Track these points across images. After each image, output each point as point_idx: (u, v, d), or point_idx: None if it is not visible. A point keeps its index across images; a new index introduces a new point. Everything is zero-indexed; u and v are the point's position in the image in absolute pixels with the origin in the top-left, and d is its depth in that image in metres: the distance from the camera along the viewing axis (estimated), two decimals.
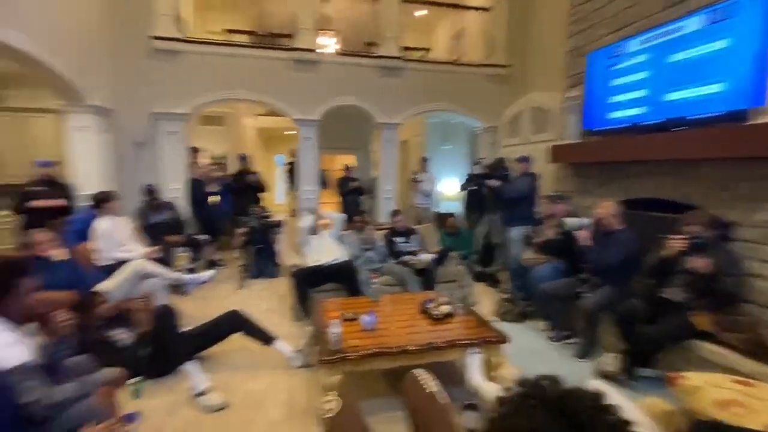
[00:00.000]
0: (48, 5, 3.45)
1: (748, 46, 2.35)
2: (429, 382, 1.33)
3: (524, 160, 4.13)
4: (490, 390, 1.82)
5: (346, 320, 2.32)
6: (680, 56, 2.78)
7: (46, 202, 3.76)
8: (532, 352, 2.81)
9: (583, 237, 2.92)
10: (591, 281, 2.84)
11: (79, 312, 2.20)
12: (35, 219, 3.66)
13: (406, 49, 5.98)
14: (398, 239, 3.90)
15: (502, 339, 2.19)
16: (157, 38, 4.85)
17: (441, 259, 3.71)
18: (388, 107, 5.73)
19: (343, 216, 3.90)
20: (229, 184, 5.64)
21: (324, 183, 6.18)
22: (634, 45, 3.16)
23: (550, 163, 4.09)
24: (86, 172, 4.20)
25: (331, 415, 1.19)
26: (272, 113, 8.17)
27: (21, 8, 3.09)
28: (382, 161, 5.97)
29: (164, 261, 3.60)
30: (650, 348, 2.33)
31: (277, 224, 4.72)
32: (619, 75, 3.31)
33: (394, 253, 3.78)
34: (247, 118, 9.47)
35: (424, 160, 5.94)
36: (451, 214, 5.43)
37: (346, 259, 3.57)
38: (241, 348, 2.66)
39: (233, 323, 2.55)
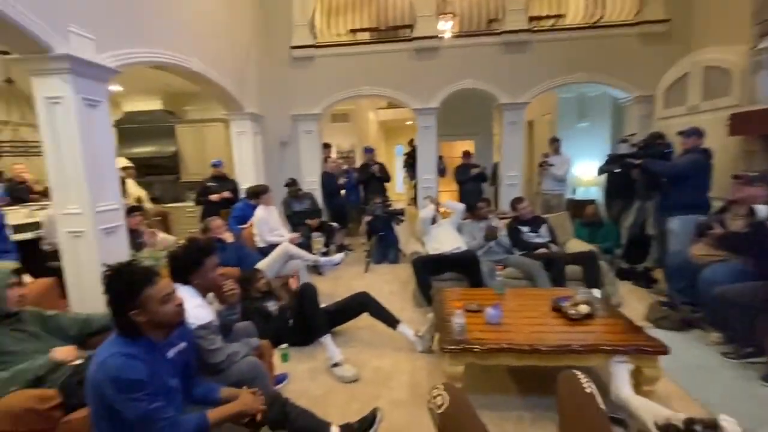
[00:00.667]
0: (213, 33, 4.19)
1: None
2: (588, 385, 1.22)
3: (693, 133, 3.32)
4: (642, 407, 1.57)
5: (468, 311, 2.27)
6: None
7: (219, 195, 4.66)
8: (698, 370, 2.31)
9: None
10: None
11: (243, 285, 2.69)
12: (211, 208, 4.60)
13: (534, 19, 5.42)
14: (524, 228, 3.62)
15: (660, 349, 1.85)
16: (295, 47, 5.46)
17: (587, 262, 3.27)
18: (513, 86, 5.32)
19: (462, 206, 3.79)
20: (356, 175, 6.07)
21: (443, 171, 6.12)
22: None
23: (729, 136, 3.23)
24: (244, 168, 5.03)
25: (440, 411, 1.17)
26: (393, 105, 8.47)
27: (195, 40, 3.83)
28: (504, 145, 5.61)
29: (304, 245, 4.10)
30: None
31: (399, 212, 4.89)
32: None
33: (520, 244, 3.53)
34: (370, 112, 10.01)
35: (556, 140, 5.34)
36: (590, 202, 4.81)
37: (467, 249, 3.49)
38: (369, 327, 2.85)
39: (362, 304, 2.74)
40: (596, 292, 2.41)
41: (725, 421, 1.67)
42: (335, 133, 8.47)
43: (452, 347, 1.91)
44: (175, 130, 6.26)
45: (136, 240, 3.22)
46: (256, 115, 5.05)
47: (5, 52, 2.71)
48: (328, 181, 5.61)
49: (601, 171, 4.38)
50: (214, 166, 4.86)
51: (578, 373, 1.28)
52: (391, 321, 2.67)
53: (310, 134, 5.72)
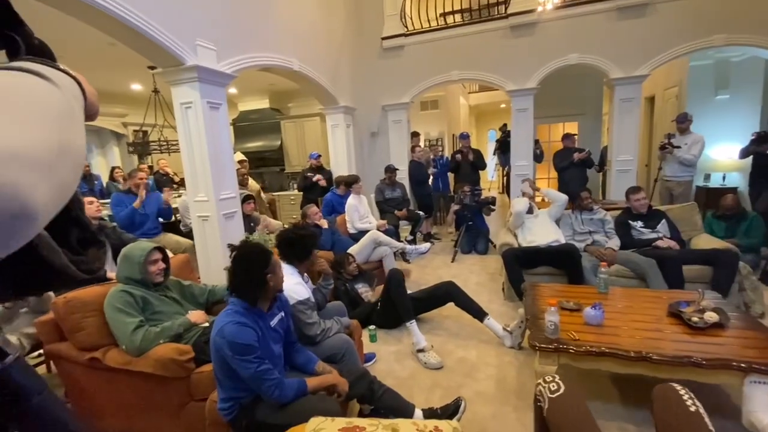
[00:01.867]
0: (311, 32, 4.48)
1: None
2: (691, 400, 1.06)
3: None
4: None
5: (564, 309, 2.10)
6: None
7: (318, 177, 5.01)
8: None
9: None
10: None
11: (335, 268, 2.91)
12: (310, 197, 5.01)
13: None
14: (636, 223, 3.18)
15: None
16: (386, 38, 5.55)
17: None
18: (627, 57, 4.64)
19: (564, 197, 3.46)
20: (445, 164, 5.98)
21: (539, 156, 5.66)
22: None
23: None
24: (338, 159, 5.34)
25: (553, 396, 1.13)
26: (485, 88, 8.09)
27: (295, 41, 4.13)
28: (615, 125, 4.95)
29: (392, 232, 4.21)
30: None
31: (490, 201, 4.70)
32: None
33: (631, 242, 3.11)
34: (460, 97, 9.71)
35: (684, 117, 4.51)
36: (730, 190, 4.02)
37: (564, 242, 3.21)
38: (455, 317, 2.84)
39: (448, 293, 2.73)
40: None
41: None
42: (424, 121, 8.42)
43: (544, 345, 1.80)
44: (280, 126, 6.92)
45: (249, 224, 3.68)
46: (348, 108, 5.30)
47: (153, 67, 3.29)
48: (416, 169, 5.63)
49: (745, 153, 3.62)
50: (312, 158, 5.25)
51: (678, 386, 1.11)
52: (479, 313, 2.61)
53: (399, 123, 5.79)
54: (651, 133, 6.62)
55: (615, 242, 3.16)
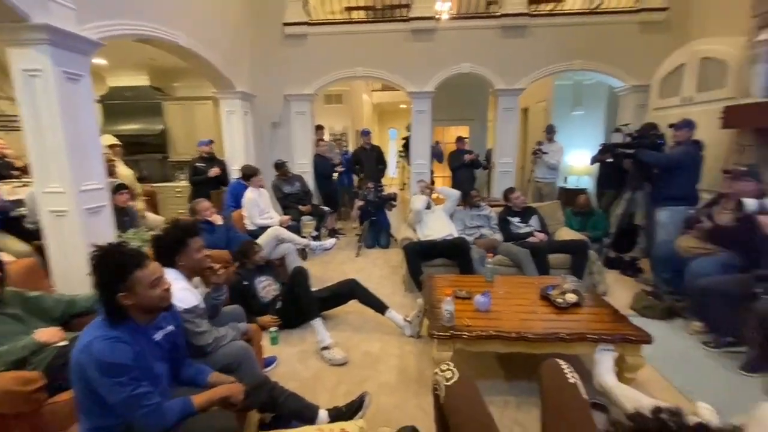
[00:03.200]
0: (202, 7, 4.03)
1: None
2: (571, 373, 1.24)
3: (686, 125, 3.33)
4: (623, 394, 1.60)
5: (458, 298, 2.28)
6: None
7: (216, 171, 4.52)
8: (679, 357, 2.38)
9: (765, 223, 2.27)
10: None
11: (240, 257, 2.69)
12: (201, 190, 4.52)
13: (533, 2, 5.31)
14: (514, 219, 3.63)
15: (643, 338, 1.89)
16: (287, 24, 5.29)
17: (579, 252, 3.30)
18: (509, 71, 5.25)
19: (457, 193, 3.78)
20: (349, 159, 5.99)
21: (439, 156, 6.07)
22: None
23: (721, 128, 3.24)
24: (234, 149, 4.93)
25: (448, 383, 1.19)
26: (388, 88, 8.33)
27: (183, 13, 3.67)
28: (498, 132, 5.57)
29: (295, 228, 4.06)
30: None
31: (392, 198, 4.86)
32: None
33: (509, 235, 3.54)
34: (364, 94, 9.84)
35: (551, 128, 5.31)
36: (582, 191, 4.84)
37: (458, 235, 3.50)
38: (358, 312, 2.86)
39: (351, 290, 2.75)
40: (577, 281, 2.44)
41: (703, 408, 1.72)
42: (328, 114, 8.32)
43: (441, 334, 1.93)
44: (162, 108, 6.08)
45: (122, 218, 3.15)
46: (246, 94, 4.92)
47: None
48: (320, 163, 5.54)
49: (593, 160, 4.39)
50: (203, 145, 4.74)
51: (561, 362, 1.30)
52: (380, 307, 2.69)
53: (303, 115, 5.61)
54: (525, 140, 7.63)
55: (498, 236, 3.56)
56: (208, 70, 4.30)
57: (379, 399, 1.98)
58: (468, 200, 3.77)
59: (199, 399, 1.31)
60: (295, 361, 2.39)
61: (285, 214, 4.30)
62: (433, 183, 6.24)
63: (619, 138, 3.66)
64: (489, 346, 1.98)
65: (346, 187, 6.20)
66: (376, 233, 4.92)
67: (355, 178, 6.08)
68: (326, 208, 4.89)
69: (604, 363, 1.82)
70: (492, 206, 3.90)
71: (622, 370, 1.93)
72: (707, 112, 3.49)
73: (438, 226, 3.57)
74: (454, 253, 3.34)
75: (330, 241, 3.72)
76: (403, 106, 11.63)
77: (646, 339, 1.88)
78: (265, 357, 2.26)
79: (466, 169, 5.81)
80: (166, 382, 1.37)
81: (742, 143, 3.19)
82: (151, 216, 4.08)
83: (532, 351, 1.95)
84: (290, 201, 4.62)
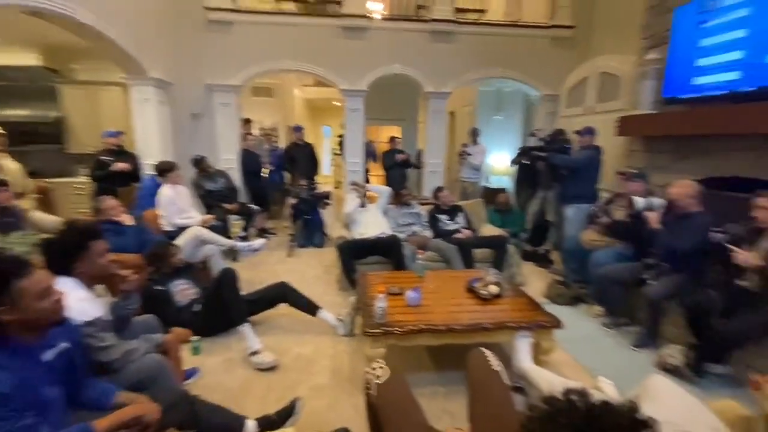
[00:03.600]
0: None
1: None
2: (495, 361, 1.32)
3: (587, 132, 3.76)
4: (539, 377, 1.75)
5: (391, 294, 2.31)
6: None
7: (124, 165, 3.99)
8: (584, 338, 2.67)
9: (653, 219, 2.65)
10: (658, 267, 2.59)
11: (154, 262, 2.43)
12: (107, 186, 4.00)
13: (460, 11, 5.59)
14: (442, 217, 3.80)
15: (555, 323, 2.08)
16: (210, 9, 4.92)
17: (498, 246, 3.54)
18: (438, 75, 5.46)
19: (387, 189, 3.85)
20: (281, 155, 5.77)
21: (373, 155, 6.11)
22: None
23: (616, 136, 3.71)
24: (148, 142, 4.46)
25: (379, 381, 1.20)
26: (320, 84, 8.18)
27: None
28: (428, 133, 5.78)
29: (221, 228, 3.80)
30: (724, 343, 2.11)
31: (325, 196, 4.79)
32: (710, 34, 2.86)
33: (438, 232, 3.69)
34: (295, 88, 9.55)
35: (475, 131, 5.65)
36: (502, 190, 5.20)
37: (391, 233, 3.56)
38: (289, 314, 2.77)
39: (280, 294, 2.65)
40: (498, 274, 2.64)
41: (604, 382, 1.95)
42: (257, 108, 7.92)
43: (374, 331, 1.94)
44: (59, 92, 5.29)
45: (3, 219, 2.68)
46: (162, 81, 4.47)
47: None
48: (249, 159, 5.25)
49: (512, 162, 4.75)
50: (110, 136, 4.20)
51: (485, 351, 1.38)
52: (311, 308, 2.63)
53: (228, 107, 5.27)
54: (453, 142, 8.02)
55: (428, 233, 3.69)
56: (114, 52, 3.82)
57: (312, 402, 1.93)
58: (400, 199, 3.85)
59: (102, 423, 1.14)
60: (220, 370, 2.23)
61: (208, 213, 4.00)
62: (367, 181, 6.27)
63: (533, 142, 4.01)
64: (420, 339, 2.04)
65: (277, 185, 5.96)
66: (310, 232, 4.81)
67: (287, 176, 5.88)
68: (255, 207, 4.66)
69: (523, 348, 1.98)
70: (422, 204, 4.04)
71: (537, 354, 2.11)
72: (606, 121, 3.96)
73: (372, 224, 3.59)
74: (387, 251, 3.39)
75: (259, 242, 3.55)
76: (336, 103, 11.50)
77: (557, 324, 2.08)
78: (185, 369, 2.07)
79: (398, 169, 5.92)
80: (60, 408, 1.18)
81: (633, 149, 3.68)
82: (42, 216, 3.52)
83: (459, 341, 2.05)
84: (214, 199, 4.31)
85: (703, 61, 2.93)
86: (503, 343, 2.22)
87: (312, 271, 3.92)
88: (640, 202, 2.69)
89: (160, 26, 4.48)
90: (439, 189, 3.92)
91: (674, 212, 2.57)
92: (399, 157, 5.88)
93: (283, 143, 7.54)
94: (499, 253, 3.49)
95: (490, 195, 5.48)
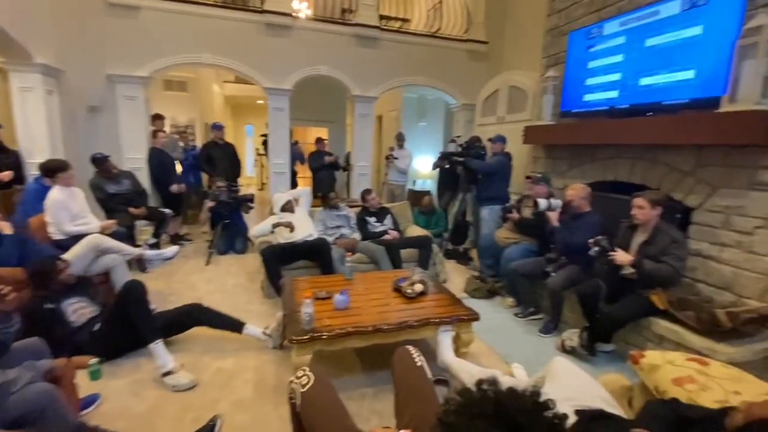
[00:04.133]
0: None
1: (721, 34, 2.39)
2: (418, 357, 1.37)
3: (499, 140, 4.12)
4: (460, 368, 1.87)
5: (318, 299, 2.29)
6: (655, 41, 2.80)
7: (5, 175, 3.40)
8: (499, 328, 2.91)
9: (553, 218, 2.99)
10: (558, 261, 2.93)
11: (39, 279, 2.07)
12: None
13: (384, 18, 5.73)
14: (371, 219, 3.85)
15: (473, 316, 2.24)
16: None
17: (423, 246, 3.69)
18: (364, 79, 5.54)
19: (308, 190, 3.83)
20: (197, 155, 5.35)
21: (300, 157, 5.97)
22: (611, 27, 3.15)
23: (523, 144, 4.11)
24: (33, 137, 3.83)
25: (303, 390, 1.18)
26: (242, 81, 7.78)
27: None
28: (356, 136, 5.83)
29: (126, 235, 3.40)
30: (610, 324, 2.45)
31: (248, 199, 4.55)
32: (596, 57, 3.32)
33: (366, 234, 3.74)
34: (214, 84, 8.95)
35: (400, 136, 5.84)
36: (426, 193, 5.44)
37: (318, 236, 3.51)
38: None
39: (195, 318, 2.45)
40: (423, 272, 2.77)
41: (517, 368, 2.14)
42: (170, 103, 7.26)
43: (300, 338, 1.90)
44: None
45: None
46: (51, 69, 3.87)
47: None
48: (159, 159, 4.77)
49: (434, 166, 5.00)
50: None
51: (410, 348, 1.43)
52: (235, 326, 2.46)
53: (134, 101, 4.75)
54: (380, 145, 8.19)
55: (357, 235, 3.72)
56: None
57: (233, 418, 1.83)
58: (328, 201, 3.82)
59: None
60: (125, 394, 2.00)
61: (110, 218, 3.55)
62: (295, 183, 6.11)
63: (453, 147, 4.27)
64: (348, 342, 2.04)
65: (193, 187, 5.52)
66: (231, 238, 4.53)
67: (205, 177, 5.47)
68: (167, 211, 4.26)
69: (445, 342, 2.09)
70: (351, 207, 4.05)
71: (458, 346, 2.25)
72: (514, 130, 4.37)
73: (299, 228, 3.51)
74: (314, 255, 3.34)
75: (171, 249, 3.24)
76: (260, 101, 11.01)
77: (475, 317, 2.24)
78: (82, 397, 1.82)
79: (326, 171, 5.88)
80: None
81: (537, 156, 4.11)
82: None
83: (387, 341, 2.10)
84: (117, 203, 3.84)
85: (591, 81, 3.38)
86: (428, 338, 2.33)
87: (233, 279, 3.70)
88: (543, 203, 3.01)
89: (48, 5, 3.88)
90: (367, 191, 3.97)
91: (570, 212, 2.93)
92: (327, 159, 5.84)
93: (200, 142, 7.02)
94: (424, 253, 3.64)
95: (416, 197, 5.71)
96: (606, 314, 2.46)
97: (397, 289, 2.50)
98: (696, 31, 2.54)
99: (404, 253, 3.61)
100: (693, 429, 1.07)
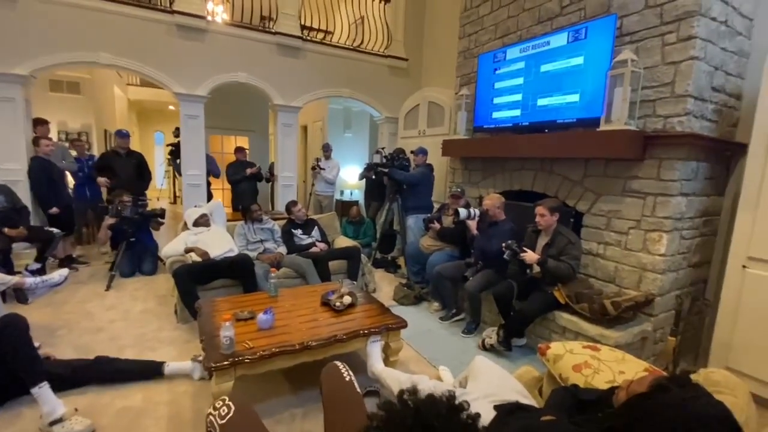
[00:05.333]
0: None
1: (597, 64, 2.81)
2: (347, 372, 1.37)
3: (421, 152, 4.33)
4: (389, 377, 1.90)
5: (239, 320, 2.16)
6: (548, 67, 3.20)
7: None
8: (426, 333, 3.01)
9: (472, 226, 3.20)
10: (476, 265, 3.14)
11: None
12: None
13: (307, 28, 5.69)
14: (297, 231, 3.76)
15: (401, 324, 2.29)
16: None
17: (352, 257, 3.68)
18: (287, 89, 5.42)
19: (218, 202, 3.65)
20: (93, 166, 4.73)
21: (214, 173, 5.57)
22: (512, 53, 3.52)
23: (442, 156, 4.36)
24: None
25: (222, 422, 1.10)
26: (149, 84, 7.12)
27: None
28: (280, 146, 5.65)
29: (0, 261, 2.87)
30: (522, 320, 2.69)
31: (158, 213, 4.12)
32: (501, 79, 3.67)
33: (292, 247, 3.64)
34: (115, 86, 8.04)
35: (327, 146, 5.81)
36: (355, 203, 5.47)
37: (238, 252, 3.33)
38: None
39: (97, 373, 2.15)
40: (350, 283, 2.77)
41: (443, 371, 2.23)
42: (58, 106, 6.35)
43: (219, 364, 1.76)
44: None
45: None
46: None
47: None
48: (44, 170, 4.11)
49: (360, 176, 5.06)
50: None
51: (339, 363, 1.42)
52: (152, 370, 2.22)
53: (10, 103, 4.04)
54: (306, 156, 8.06)
55: (282, 249, 3.59)
56: None
57: None
58: (250, 214, 3.64)
59: None
60: None
61: None
62: (210, 196, 5.71)
63: (378, 159, 4.38)
64: (275, 363, 1.95)
65: (89, 202, 4.85)
66: (136, 258, 4.06)
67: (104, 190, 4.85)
68: (54, 230, 3.68)
69: (374, 353, 2.11)
70: (275, 219, 3.91)
71: (388, 355, 2.29)
72: (435, 143, 4.61)
73: (216, 244, 3.28)
74: (236, 272, 3.15)
75: (59, 273, 2.78)
76: (171, 107, 10.16)
77: (403, 324, 2.30)
78: None
79: (247, 182, 5.60)
80: None
81: (454, 167, 4.39)
82: None
83: (316, 358, 2.05)
84: None
85: (497, 100, 3.72)
86: (358, 350, 2.32)
87: (141, 304, 3.31)
88: (463, 212, 3.21)
89: None
90: (292, 203, 3.86)
91: (486, 220, 3.18)
92: (249, 171, 5.57)
93: (99, 150, 6.23)
94: (352, 263, 3.65)
95: (344, 207, 5.71)
96: (518, 311, 2.70)
97: (326, 303, 2.46)
98: (579, 60, 2.95)
99: (333, 264, 3.57)
100: (590, 409, 1.22)
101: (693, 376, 1.19)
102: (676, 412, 0.81)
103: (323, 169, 5.69)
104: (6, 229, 3.27)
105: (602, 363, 1.44)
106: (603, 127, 2.64)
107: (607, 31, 2.74)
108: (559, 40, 3.09)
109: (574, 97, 2.99)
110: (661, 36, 2.52)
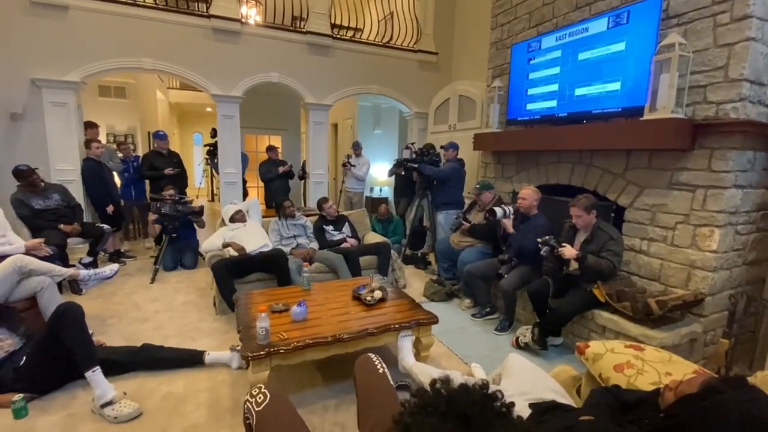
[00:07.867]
0: None
1: (641, 50, 2.65)
2: (380, 364, 1.37)
3: (451, 147, 4.26)
4: (420, 372, 1.89)
5: (274, 312, 2.22)
6: (587, 55, 3.05)
7: None
8: (457, 329, 2.97)
9: (508, 225, 3.10)
10: (509, 262, 3.05)
11: None
12: None
13: (337, 27, 5.75)
14: (329, 227, 3.81)
15: (432, 320, 2.27)
16: None
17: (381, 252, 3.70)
18: (318, 87, 5.50)
19: (255, 200, 3.75)
20: (138, 166, 5.01)
21: (246, 165, 5.75)
22: (548, 41, 3.39)
23: (474, 150, 4.28)
24: None
25: (258, 409, 1.13)
26: (188, 87, 7.43)
27: None
28: (311, 144, 5.76)
29: (55, 255, 3.09)
30: (558, 319, 2.60)
31: (197, 211, 4.31)
32: (536, 69, 3.54)
33: (324, 243, 3.69)
34: (158, 90, 8.47)
35: (357, 144, 5.85)
36: (384, 200, 5.48)
37: (273, 247, 3.42)
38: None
39: (148, 360, 2.28)
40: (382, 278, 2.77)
41: (475, 368, 2.20)
42: (106, 110, 6.78)
43: (256, 354, 1.82)
44: None
45: None
46: None
47: None
48: (96, 171, 4.40)
49: (390, 173, 5.06)
50: None
51: (372, 355, 1.42)
52: (194, 359, 2.33)
53: (64, 108, 4.36)
54: (336, 153, 8.15)
55: (315, 244, 3.66)
56: None
57: None
58: (283, 211, 3.73)
59: None
60: None
61: (36, 236, 3.21)
62: (246, 194, 5.90)
63: (408, 154, 4.35)
64: (307, 355, 1.99)
65: (134, 200, 5.15)
66: (178, 253, 4.27)
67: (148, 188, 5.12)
68: (105, 227, 3.93)
69: (405, 347, 2.11)
70: (307, 216, 3.98)
71: (419, 350, 2.28)
72: (465, 137, 4.53)
73: (252, 239, 3.39)
74: (270, 266, 3.24)
75: (110, 268, 2.97)
76: (209, 109, 10.58)
77: (434, 320, 2.28)
78: None
79: (280, 180, 5.74)
80: None
81: (487, 161, 4.29)
82: None
83: (347, 350, 2.07)
84: (45, 220, 3.50)
85: (532, 91, 3.60)
86: (389, 344, 2.33)
87: (182, 296, 3.49)
88: (499, 211, 3.12)
89: None
90: (323, 200, 3.92)
91: (521, 215, 3.08)
92: (281, 169, 5.71)
93: (143, 152, 6.59)
94: (382, 259, 3.66)
95: (374, 204, 5.73)
96: (554, 310, 2.61)
97: (357, 297, 2.48)
98: (620, 47, 2.79)
99: (363, 260, 3.59)
100: (632, 411, 1.15)
101: (749, 379, 1.11)
102: (733, 415, 0.75)
103: (353, 165, 5.73)
104: (62, 226, 3.53)
105: (646, 363, 1.36)
106: (647, 116, 2.49)
107: (651, 14, 2.57)
108: (599, 26, 2.94)
109: (615, 86, 2.84)
110: (712, 16, 2.33)
